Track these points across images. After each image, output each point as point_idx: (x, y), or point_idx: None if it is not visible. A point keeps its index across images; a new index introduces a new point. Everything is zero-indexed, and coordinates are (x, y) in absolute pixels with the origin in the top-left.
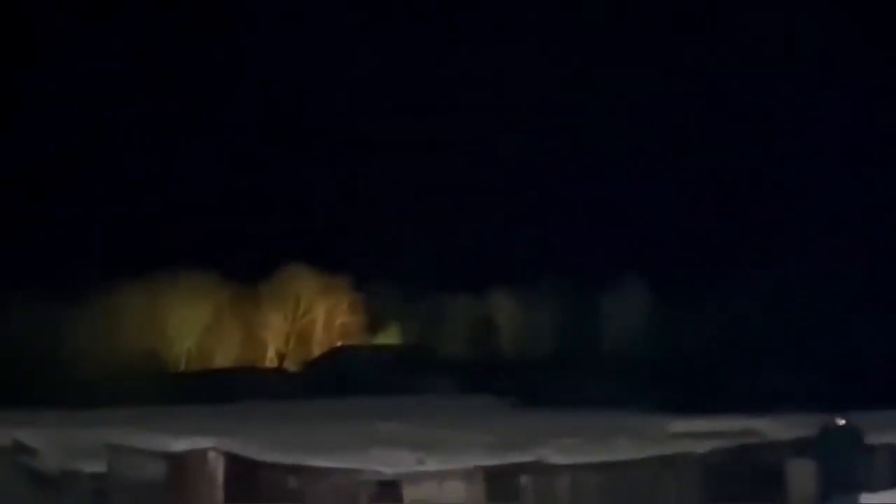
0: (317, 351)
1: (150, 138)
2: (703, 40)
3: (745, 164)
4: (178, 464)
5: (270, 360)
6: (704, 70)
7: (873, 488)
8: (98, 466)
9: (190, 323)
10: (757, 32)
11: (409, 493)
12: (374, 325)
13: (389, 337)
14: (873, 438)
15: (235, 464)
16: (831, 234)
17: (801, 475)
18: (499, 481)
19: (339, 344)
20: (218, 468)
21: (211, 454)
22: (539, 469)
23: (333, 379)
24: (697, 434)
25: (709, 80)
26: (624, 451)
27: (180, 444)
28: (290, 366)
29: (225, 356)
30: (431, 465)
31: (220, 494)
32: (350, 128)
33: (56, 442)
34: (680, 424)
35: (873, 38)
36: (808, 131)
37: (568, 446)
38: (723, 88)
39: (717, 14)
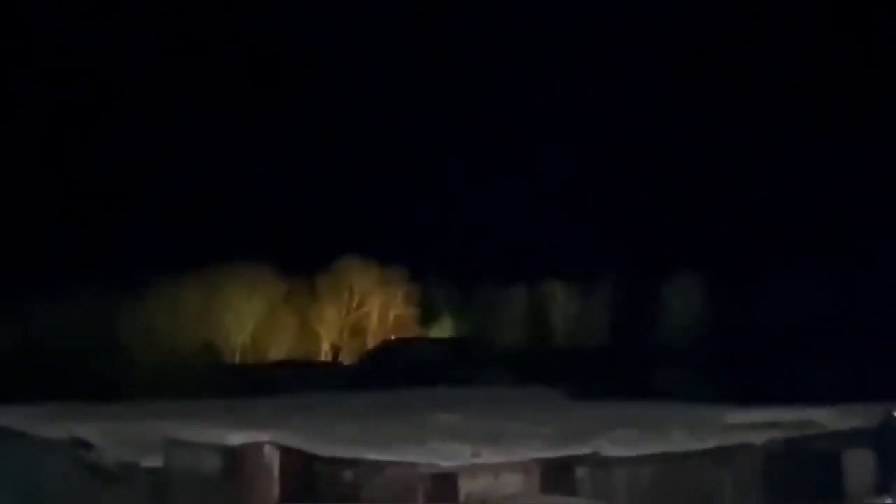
0: (371, 343)
1: (210, 138)
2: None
3: (800, 160)
4: (235, 457)
5: (325, 353)
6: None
7: None
8: (155, 460)
9: (246, 316)
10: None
11: (465, 485)
12: (429, 318)
13: (445, 329)
14: None
15: (291, 457)
16: (889, 226)
17: (860, 465)
18: (555, 474)
19: (393, 336)
20: (274, 461)
21: (267, 447)
22: (596, 461)
23: (388, 371)
24: (755, 425)
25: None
26: (681, 442)
27: (237, 438)
28: (345, 358)
29: (280, 349)
30: (488, 457)
31: (276, 488)
32: (405, 124)
33: (113, 436)
34: (737, 415)
35: None
36: (868, 127)
37: (625, 438)
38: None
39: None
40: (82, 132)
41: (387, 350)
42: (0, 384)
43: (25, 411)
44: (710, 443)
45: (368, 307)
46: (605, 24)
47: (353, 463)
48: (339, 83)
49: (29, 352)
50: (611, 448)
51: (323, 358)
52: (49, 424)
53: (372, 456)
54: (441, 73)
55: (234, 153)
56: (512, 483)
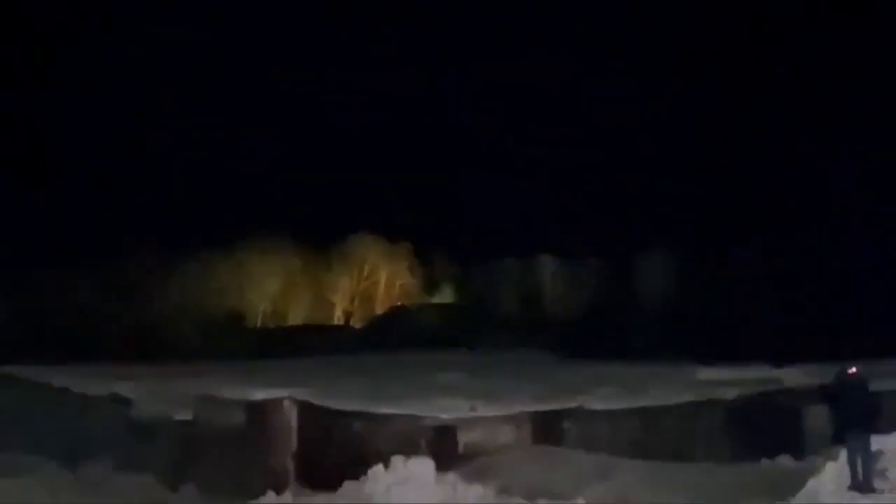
0: (380, 310)
1: (240, 134)
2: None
3: (757, 148)
4: (257, 411)
5: (338, 318)
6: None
7: (881, 430)
8: (186, 414)
9: (268, 286)
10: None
11: (463, 436)
12: (431, 287)
13: (445, 298)
14: (880, 386)
15: (308, 411)
16: (839, 206)
17: (817, 418)
18: (545, 425)
19: (399, 303)
20: (292, 415)
21: (286, 402)
22: (581, 414)
23: (394, 335)
24: (723, 382)
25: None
26: (657, 398)
27: (259, 394)
28: (356, 323)
29: (298, 315)
30: (484, 411)
31: (294, 438)
32: (411, 114)
33: (149, 392)
34: (707, 374)
35: None
36: (827, 109)
37: (607, 394)
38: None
39: None
40: (125, 128)
41: (393, 316)
42: (48, 347)
43: (72, 371)
44: (683, 398)
45: (377, 277)
46: (592, 9)
47: (363, 416)
48: (347, 73)
49: (75, 318)
50: (594, 403)
51: (336, 322)
52: (92, 382)
53: (380, 409)
54: (444, 63)
55: (258, 148)
56: (506, 434)
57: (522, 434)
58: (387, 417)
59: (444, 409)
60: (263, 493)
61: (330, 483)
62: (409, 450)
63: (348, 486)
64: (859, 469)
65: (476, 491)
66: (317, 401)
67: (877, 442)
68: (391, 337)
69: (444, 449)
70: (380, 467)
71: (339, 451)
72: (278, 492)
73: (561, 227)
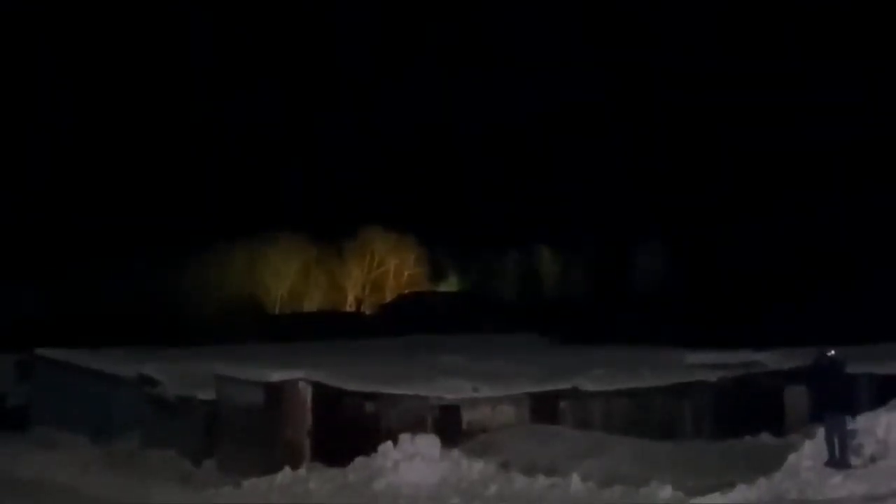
0: (388, 297)
1: (266, 133)
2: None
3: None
4: (275, 391)
5: (350, 304)
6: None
7: (856, 410)
8: (209, 394)
9: (284, 274)
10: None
11: (466, 415)
12: (436, 276)
13: (449, 285)
14: (855, 368)
15: (322, 391)
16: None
17: (796, 399)
18: (542, 405)
19: (406, 291)
20: (307, 395)
21: (301, 383)
22: (575, 395)
23: (402, 320)
24: (709, 365)
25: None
26: (647, 379)
27: (276, 375)
28: (367, 309)
29: (313, 301)
30: (485, 391)
31: (309, 417)
32: (415, 109)
33: (174, 373)
34: (694, 357)
35: None
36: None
37: (600, 376)
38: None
39: None
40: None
41: (401, 302)
42: (81, 332)
43: (102, 354)
44: (672, 380)
45: (386, 267)
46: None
47: (373, 396)
48: (356, 77)
49: (106, 305)
50: (588, 384)
51: (348, 308)
52: (121, 364)
53: (389, 390)
54: (449, 59)
55: (277, 146)
56: (506, 413)
57: (521, 413)
58: (395, 397)
59: (449, 390)
60: (280, 467)
61: (342, 458)
62: (416, 427)
63: (359, 461)
64: (836, 446)
65: (478, 466)
66: (330, 382)
67: (852, 421)
68: (399, 322)
69: (449, 427)
70: (389, 444)
71: (350, 429)
72: (294, 466)
73: (556, 219)
